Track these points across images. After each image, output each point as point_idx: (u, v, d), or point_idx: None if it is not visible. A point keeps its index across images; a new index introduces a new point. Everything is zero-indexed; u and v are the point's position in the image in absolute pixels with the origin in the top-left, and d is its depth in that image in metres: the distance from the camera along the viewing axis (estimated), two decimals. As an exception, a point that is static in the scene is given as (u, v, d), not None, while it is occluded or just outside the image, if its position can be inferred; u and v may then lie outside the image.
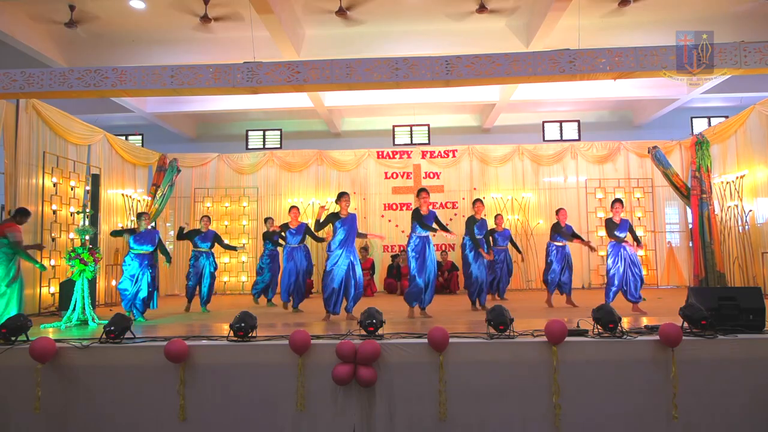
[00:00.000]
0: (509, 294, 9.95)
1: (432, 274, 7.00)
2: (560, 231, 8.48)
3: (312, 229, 8.03)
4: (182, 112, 13.61)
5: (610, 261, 7.51)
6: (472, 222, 8.09)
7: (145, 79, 6.44)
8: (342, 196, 7.06)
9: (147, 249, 7.53)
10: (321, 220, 6.90)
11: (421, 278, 6.93)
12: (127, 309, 7.36)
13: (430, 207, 7.26)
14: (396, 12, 9.86)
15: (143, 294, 7.39)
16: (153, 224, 11.67)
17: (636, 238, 7.61)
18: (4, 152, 8.08)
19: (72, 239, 8.91)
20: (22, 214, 6.93)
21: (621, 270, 7.36)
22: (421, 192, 7.21)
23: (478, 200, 8.36)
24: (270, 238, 9.53)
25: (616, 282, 7.39)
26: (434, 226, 7.09)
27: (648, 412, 4.39)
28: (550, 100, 13.37)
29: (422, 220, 7.01)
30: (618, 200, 7.73)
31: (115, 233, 8.08)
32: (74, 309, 6.63)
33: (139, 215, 7.89)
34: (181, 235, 8.96)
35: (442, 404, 4.37)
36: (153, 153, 11.99)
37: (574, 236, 8.56)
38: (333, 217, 6.97)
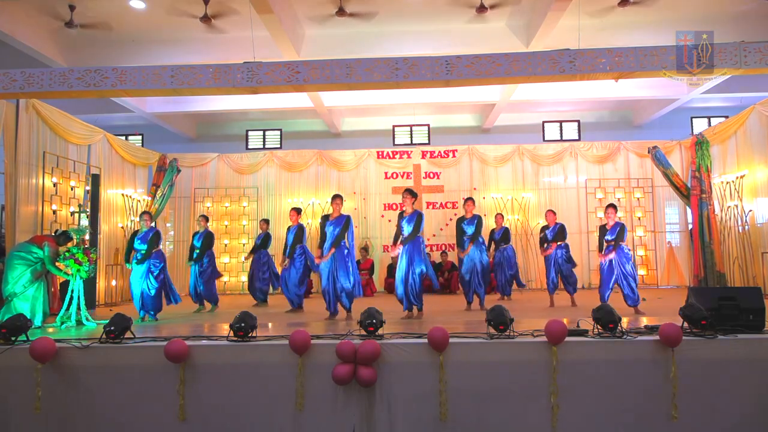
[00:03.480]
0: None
1: (407, 275, 6.90)
2: (544, 235, 8.64)
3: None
4: (182, 112, 13.62)
5: (605, 265, 7.45)
6: (459, 221, 8.11)
7: (145, 79, 6.44)
8: (334, 198, 7.22)
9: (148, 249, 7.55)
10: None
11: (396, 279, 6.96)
12: (140, 312, 7.36)
13: (425, 208, 7.23)
14: (396, 12, 9.86)
15: (152, 293, 7.42)
16: (153, 224, 11.67)
17: (615, 243, 7.39)
18: (4, 152, 8.07)
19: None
20: (66, 238, 7.08)
21: (613, 272, 7.32)
22: (404, 192, 7.19)
23: (469, 199, 8.28)
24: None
25: (610, 281, 7.33)
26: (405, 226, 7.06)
27: (648, 412, 4.39)
28: (550, 100, 13.37)
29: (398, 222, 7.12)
30: (611, 205, 7.71)
31: (127, 252, 7.88)
32: (68, 308, 6.64)
33: (141, 215, 7.90)
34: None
35: (443, 404, 4.37)
36: (153, 153, 11.99)
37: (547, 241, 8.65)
38: (324, 219, 7.15)
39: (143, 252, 7.48)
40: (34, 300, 6.51)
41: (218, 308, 8.70)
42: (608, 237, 7.50)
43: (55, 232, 7.34)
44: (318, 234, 7.62)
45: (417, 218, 7.00)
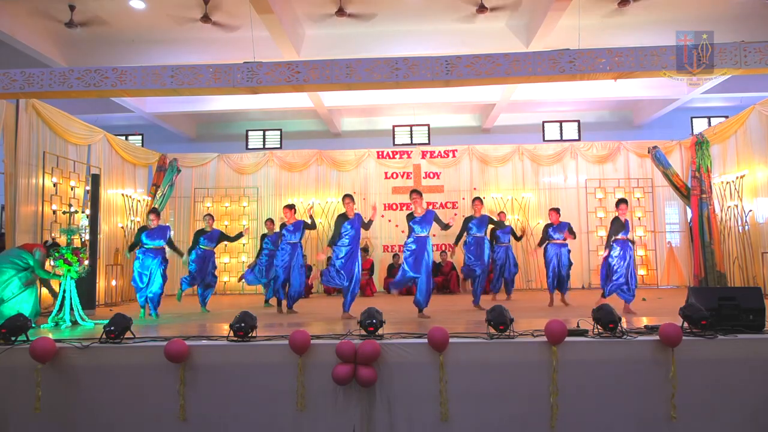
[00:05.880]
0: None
1: (426, 275, 6.96)
2: (548, 231, 8.66)
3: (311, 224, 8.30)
4: (182, 112, 13.62)
5: (617, 257, 7.39)
6: (467, 220, 8.17)
7: (145, 79, 6.44)
8: (345, 198, 7.38)
9: (158, 244, 7.65)
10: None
11: (413, 272, 6.94)
12: (141, 303, 7.50)
13: (429, 207, 7.25)
14: (396, 12, 9.86)
15: (156, 288, 7.49)
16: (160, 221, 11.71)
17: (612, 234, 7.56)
18: (4, 152, 8.07)
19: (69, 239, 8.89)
20: (55, 249, 6.98)
21: (625, 267, 7.32)
22: (412, 194, 7.27)
23: (476, 198, 8.40)
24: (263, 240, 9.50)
25: (618, 277, 7.30)
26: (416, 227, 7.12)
27: (648, 412, 4.39)
28: (550, 100, 13.37)
29: (409, 222, 7.19)
30: (623, 200, 7.70)
31: (132, 247, 8.00)
32: (61, 309, 6.63)
33: (149, 212, 8.02)
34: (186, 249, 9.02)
35: (443, 404, 4.37)
36: (153, 153, 11.99)
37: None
38: (342, 219, 7.26)
39: (151, 247, 7.56)
40: (24, 303, 6.48)
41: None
42: (624, 234, 7.46)
43: (45, 243, 7.29)
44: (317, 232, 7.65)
45: (435, 218, 7.18)
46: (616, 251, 7.38)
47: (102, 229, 9.76)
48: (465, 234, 8.18)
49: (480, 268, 8.01)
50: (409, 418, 4.44)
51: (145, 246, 7.62)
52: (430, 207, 7.71)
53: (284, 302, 8.19)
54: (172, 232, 7.93)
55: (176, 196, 12.32)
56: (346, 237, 7.19)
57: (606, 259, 7.47)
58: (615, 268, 7.38)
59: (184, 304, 8.86)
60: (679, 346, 4.35)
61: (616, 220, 7.55)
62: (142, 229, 7.80)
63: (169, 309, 8.40)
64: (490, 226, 8.83)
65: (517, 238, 9.92)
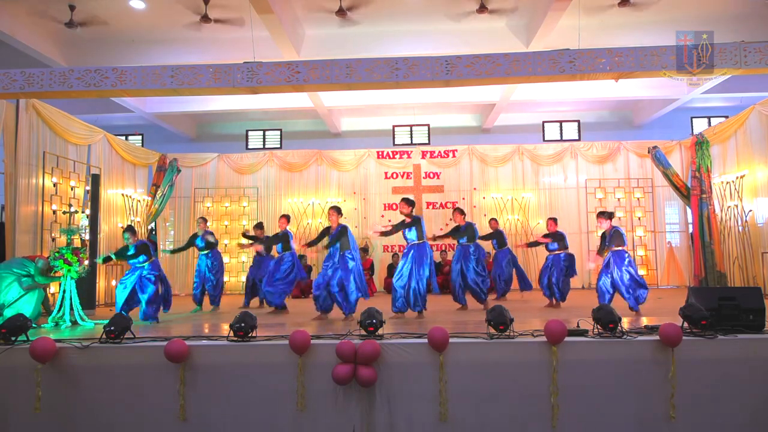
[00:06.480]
0: (509, 294, 9.89)
1: (410, 279, 7.02)
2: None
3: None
4: (182, 112, 13.62)
5: (601, 271, 7.27)
6: (455, 228, 8.24)
7: (145, 79, 6.44)
8: (329, 210, 7.43)
9: (140, 261, 7.35)
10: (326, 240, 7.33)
11: (397, 281, 7.10)
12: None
13: (425, 208, 7.29)
14: (396, 12, 9.86)
15: (146, 299, 7.32)
16: (153, 225, 11.69)
17: (603, 247, 7.31)
18: (4, 152, 8.07)
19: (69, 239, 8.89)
20: (50, 265, 6.93)
21: (609, 280, 7.13)
22: (400, 201, 7.37)
23: (456, 209, 8.40)
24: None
25: (602, 289, 7.17)
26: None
27: (648, 412, 4.39)
28: (550, 100, 13.37)
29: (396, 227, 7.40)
30: (599, 214, 7.60)
31: (106, 259, 7.75)
32: (60, 309, 6.61)
33: (125, 231, 7.57)
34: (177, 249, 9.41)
35: (443, 404, 4.37)
36: (153, 153, 11.99)
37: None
38: (325, 231, 7.39)
39: (139, 263, 7.33)
40: (26, 305, 6.48)
41: (218, 308, 8.69)
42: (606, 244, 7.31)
43: (48, 257, 7.22)
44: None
45: (418, 226, 7.22)
46: (607, 264, 7.21)
47: (102, 229, 9.75)
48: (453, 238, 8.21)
49: (460, 272, 7.96)
50: (409, 418, 4.45)
51: (132, 264, 7.39)
52: (428, 208, 7.70)
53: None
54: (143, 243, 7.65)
55: (176, 196, 12.33)
56: (330, 248, 7.21)
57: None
58: (599, 283, 7.23)
59: (188, 305, 8.88)
60: (679, 346, 4.36)
61: (603, 234, 7.39)
62: (125, 249, 7.51)
63: (174, 309, 8.33)
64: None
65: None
